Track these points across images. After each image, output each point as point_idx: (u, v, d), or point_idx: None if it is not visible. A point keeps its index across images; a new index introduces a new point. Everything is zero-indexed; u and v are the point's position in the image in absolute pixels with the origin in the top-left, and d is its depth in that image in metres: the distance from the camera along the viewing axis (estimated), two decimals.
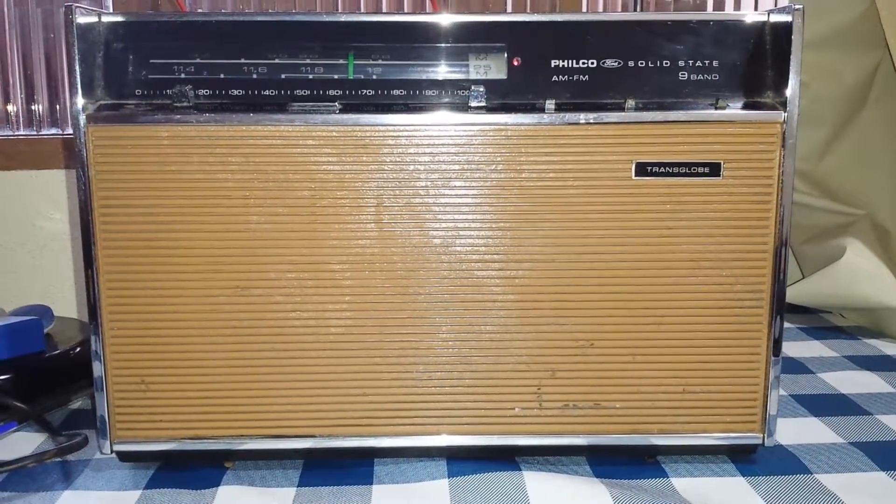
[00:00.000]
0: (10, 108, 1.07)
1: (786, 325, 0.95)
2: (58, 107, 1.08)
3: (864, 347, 0.88)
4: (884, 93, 0.96)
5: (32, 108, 1.08)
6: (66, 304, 1.00)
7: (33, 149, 0.99)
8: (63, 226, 0.99)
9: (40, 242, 0.99)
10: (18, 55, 1.07)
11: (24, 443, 0.65)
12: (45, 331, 0.75)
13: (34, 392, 0.68)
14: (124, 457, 0.60)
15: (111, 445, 0.58)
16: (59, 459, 0.62)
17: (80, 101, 0.55)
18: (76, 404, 0.72)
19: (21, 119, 1.08)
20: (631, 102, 0.56)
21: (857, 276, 0.91)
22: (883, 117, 0.96)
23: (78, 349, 0.73)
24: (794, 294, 0.96)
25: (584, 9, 1.16)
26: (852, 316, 0.99)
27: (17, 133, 1.06)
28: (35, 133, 1.06)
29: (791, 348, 0.87)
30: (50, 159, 0.99)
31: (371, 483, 0.58)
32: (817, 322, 0.98)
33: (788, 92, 0.55)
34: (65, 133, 1.05)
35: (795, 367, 0.82)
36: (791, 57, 0.55)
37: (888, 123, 0.96)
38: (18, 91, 1.08)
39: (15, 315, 0.74)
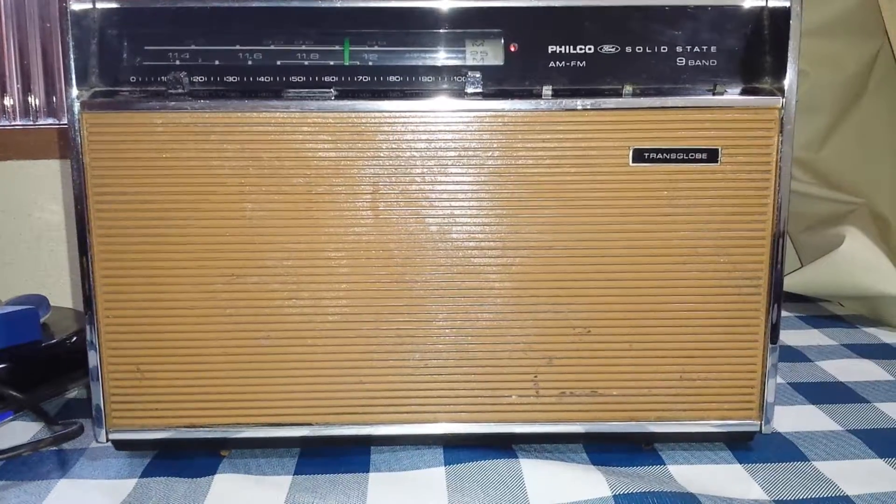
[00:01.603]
0: (6, 99, 1.07)
1: (784, 313, 0.95)
2: (54, 98, 1.08)
3: (863, 336, 0.88)
4: (883, 81, 0.96)
5: (29, 98, 1.08)
6: (63, 293, 0.99)
7: (29, 139, 0.99)
8: (59, 216, 0.99)
9: (36, 232, 0.99)
10: (14, 45, 1.06)
11: (20, 432, 0.65)
12: (42, 320, 0.75)
13: (30, 381, 0.68)
14: (120, 445, 0.60)
15: (107, 434, 0.58)
16: (54, 448, 0.61)
17: (74, 87, 0.55)
18: (72, 393, 0.72)
19: (17, 109, 1.07)
20: (628, 88, 0.56)
21: (855, 264, 0.91)
22: (883, 105, 0.96)
23: (74, 338, 0.73)
24: (792, 283, 0.96)
25: None
26: (851, 304, 0.99)
27: (13, 123, 1.06)
28: (31, 123, 1.06)
29: (789, 337, 0.87)
30: (46, 149, 0.98)
31: (368, 471, 0.58)
32: (816, 310, 0.98)
33: (787, 77, 0.55)
34: (61, 123, 1.04)
35: (794, 355, 0.81)
36: (789, 42, 0.55)
37: (888, 112, 0.96)
38: (15, 82, 1.07)
39: (11, 305, 0.74)
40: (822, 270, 0.93)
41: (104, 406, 0.58)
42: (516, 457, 0.58)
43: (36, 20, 1.05)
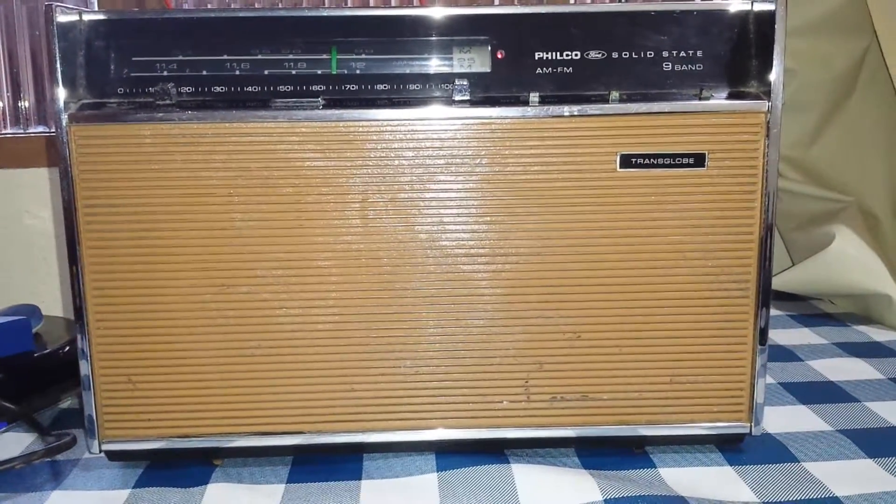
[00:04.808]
0: None
1: (775, 312, 0.95)
2: (44, 104, 1.08)
3: (854, 334, 0.88)
4: (872, 78, 0.96)
5: (19, 105, 1.08)
6: (55, 302, 0.99)
7: (21, 147, 0.99)
8: (50, 223, 0.99)
9: (28, 241, 0.99)
10: (4, 53, 1.06)
11: (13, 443, 0.65)
12: (34, 330, 0.75)
13: (24, 392, 0.68)
14: (113, 456, 0.60)
15: (99, 445, 0.58)
16: (48, 459, 0.61)
17: (61, 100, 0.55)
18: (66, 403, 0.72)
19: (8, 116, 1.07)
20: (615, 94, 0.56)
21: (846, 262, 0.91)
22: (871, 103, 0.97)
23: (67, 348, 0.73)
24: (783, 281, 0.96)
25: (572, 0, 1.15)
26: (842, 302, 0.99)
27: (3, 132, 1.06)
28: (22, 131, 1.06)
29: (780, 335, 0.87)
30: (37, 157, 0.98)
31: (360, 478, 0.58)
32: (807, 309, 0.98)
33: (772, 81, 0.55)
34: (52, 131, 1.04)
35: (784, 354, 0.82)
36: (775, 46, 0.55)
37: (877, 109, 0.96)
38: (5, 89, 1.07)
39: (3, 315, 0.74)
40: (813, 269, 0.93)
41: (96, 417, 0.58)
42: (508, 462, 0.59)
43: (25, 28, 1.05)
